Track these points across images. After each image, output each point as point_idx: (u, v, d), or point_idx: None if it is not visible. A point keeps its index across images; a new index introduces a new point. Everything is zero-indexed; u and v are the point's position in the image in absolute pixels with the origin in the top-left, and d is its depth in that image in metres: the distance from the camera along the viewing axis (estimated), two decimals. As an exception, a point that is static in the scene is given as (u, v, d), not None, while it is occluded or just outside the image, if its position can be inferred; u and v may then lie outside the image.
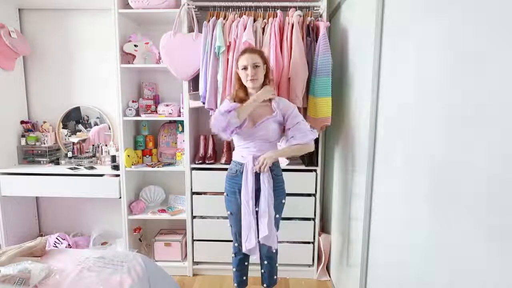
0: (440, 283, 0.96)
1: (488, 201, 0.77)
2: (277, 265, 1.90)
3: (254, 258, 1.73)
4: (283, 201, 1.78)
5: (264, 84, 1.72)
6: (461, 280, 0.87)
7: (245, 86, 1.72)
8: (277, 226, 1.76)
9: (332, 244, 2.26)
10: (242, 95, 1.72)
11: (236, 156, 1.77)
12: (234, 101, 1.72)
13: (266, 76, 1.72)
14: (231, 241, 1.89)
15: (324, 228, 2.46)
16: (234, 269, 1.91)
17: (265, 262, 1.86)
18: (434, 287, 1.00)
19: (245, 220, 1.68)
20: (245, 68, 1.65)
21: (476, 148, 0.81)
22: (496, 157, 0.74)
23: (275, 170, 1.72)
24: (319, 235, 2.28)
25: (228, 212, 1.81)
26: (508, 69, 0.71)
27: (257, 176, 1.68)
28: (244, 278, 1.92)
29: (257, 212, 1.71)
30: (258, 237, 1.68)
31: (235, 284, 1.93)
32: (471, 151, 0.83)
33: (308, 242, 2.26)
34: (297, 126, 1.68)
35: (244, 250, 1.70)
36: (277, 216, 1.74)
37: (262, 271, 1.90)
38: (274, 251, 1.83)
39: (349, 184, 1.86)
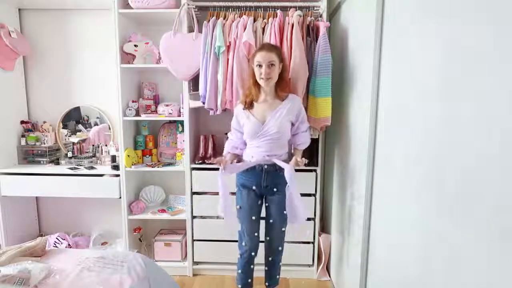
0: (440, 283, 0.96)
1: (489, 201, 0.77)
2: (280, 264, 1.90)
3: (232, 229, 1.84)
4: None
5: (278, 83, 1.70)
6: (461, 280, 0.87)
7: (258, 83, 1.70)
8: (285, 223, 1.79)
9: (332, 244, 2.26)
10: (254, 94, 1.72)
11: (246, 155, 1.78)
12: (245, 102, 1.73)
13: (281, 75, 1.70)
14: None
15: (324, 228, 2.46)
16: (240, 271, 1.86)
17: (270, 259, 1.86)
18: (434, 287, 1.00)
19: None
20: (259, 65, 1.64)
21: (476, 148, 0.81)
22: (496, 157, 0.74)
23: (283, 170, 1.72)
24: (319, 235, 2.28)
25: (238, 206, 1.81)
26: (508, 69, 0.71)
27: (266, 174, 1.73)
28: (250, 280, 1.88)
29: (265, 208, 1.80)
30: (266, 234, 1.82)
31: (239, 286, 1.88)
32: (470, 151, 0.83)
33: (308, 242, 2.26)
34: (306, 133, 1.81)
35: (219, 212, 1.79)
36: (285, 212, 1.75)
37: (266, 268, 1.90)
38: (280, 248, 1.83)
39: (349, 184, 1.86)
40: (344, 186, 1.95)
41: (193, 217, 2.26)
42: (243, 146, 1.82)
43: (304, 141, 1.79)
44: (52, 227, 2.67)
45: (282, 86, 1.72)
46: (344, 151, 1.95)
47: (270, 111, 1.70)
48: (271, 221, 1.79)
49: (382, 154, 1.43)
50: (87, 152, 2.56)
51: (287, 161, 1.77)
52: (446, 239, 0.93)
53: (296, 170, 2.14)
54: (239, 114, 1.77)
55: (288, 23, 1.94)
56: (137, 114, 2.31)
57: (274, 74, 1.65)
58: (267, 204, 1.80)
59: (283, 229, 1.80)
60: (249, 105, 1.73)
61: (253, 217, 1.79)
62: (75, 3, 2.36)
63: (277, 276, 1.90)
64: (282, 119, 1.68)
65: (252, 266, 1.87)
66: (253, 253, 1.81)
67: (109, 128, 2.56)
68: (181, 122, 2.30)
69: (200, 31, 2.06)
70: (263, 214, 1.84)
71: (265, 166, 1.71)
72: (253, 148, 1.73)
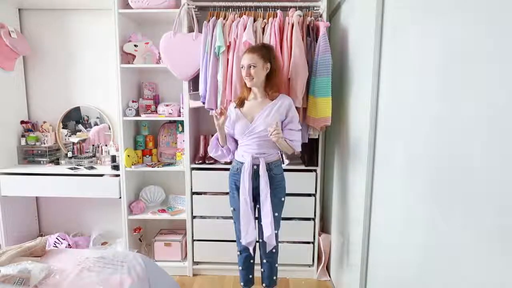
0: (440, 283, 0.96)
1: (488, 201, 0.77)
2: (276, 265, 1.90)
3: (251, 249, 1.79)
4: (282, 199, 1.80)
5: (266, 84, 1.72)
6: (461, 280, 0.87)
7: None
8: (277, 225, 1.79)
9: (332, 244, 2.26)
10: (246, 93, 1.79)
11: (237, 155, 1.80)
12: (238, 99, 1.79)
13: (270, 75, 1.72)
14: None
15: (324, 228, 2.46)
16: (240, 268, 1.91)
17: (265, 261, 1.86)
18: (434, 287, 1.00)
19: (243, 217, 1.71)
20: (242, 67, 1.70)
21: (476, 148, 0.81)
22: (496, 157, 0.74)
23: (274, 169, 1.73)
24: (319, 235, 2.28)
25: (232, 208, 1.84)
26: (508, 69, 0.71)
27: (256, 175, 1.71)
28: (250, 276, 1.93)
29: (259, 210, 1.77)
30: (259, 235, 1.75)
31: (242, 283, 1.93)
32: (471, 151, 0.83)
33: (308, 242, 2.26)
34: (297, 133, 1.76)
35: (243, 242, 1.73)
36: (276, 214, 1.76)
37: (262, 270, 1.90)
38: (274, 250, 1.83)
39: (349, 184, 1.86)
40: (344, 186, 1.95)
41: (193, 217, 2.26)
42: (234, 144, 1.85)
43: (294, 139, 1.74)
44: (52, 227, 2.67)
45: (271, 86, 1.74)
46: (344, 151, 1.95)
47: (258, 110, 1.73)
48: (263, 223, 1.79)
49: (382, 154, 1.43)
50: (87, 152, 2.55)
51: (278, 161, 1.79)
52: (446, 239, 0.93)
53: (296, 170, 2.16)
54: (231, 113, 1.81)
55: (288, 23, 1.94)
56: (137, 114, 2.31)
57: (257, 74, 1.68)
58: (258, 206, 1.80)
59: (275, 231, 1.79)
60: (240, 104, 1.78)
61: None
62: (75, 3, 2.36)
63: (274, 277, 1.90)
64: (270, 118, 1.69)
65: (252, 261, 1.90)
66: (251, 248, 1.84)
67: (109, 128, 2.56)
68: (181, 122, 2.30)
69: (200, 31, 2.06)
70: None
71: (255, 167, 1.72)
72: (243, 147, 1.75)
